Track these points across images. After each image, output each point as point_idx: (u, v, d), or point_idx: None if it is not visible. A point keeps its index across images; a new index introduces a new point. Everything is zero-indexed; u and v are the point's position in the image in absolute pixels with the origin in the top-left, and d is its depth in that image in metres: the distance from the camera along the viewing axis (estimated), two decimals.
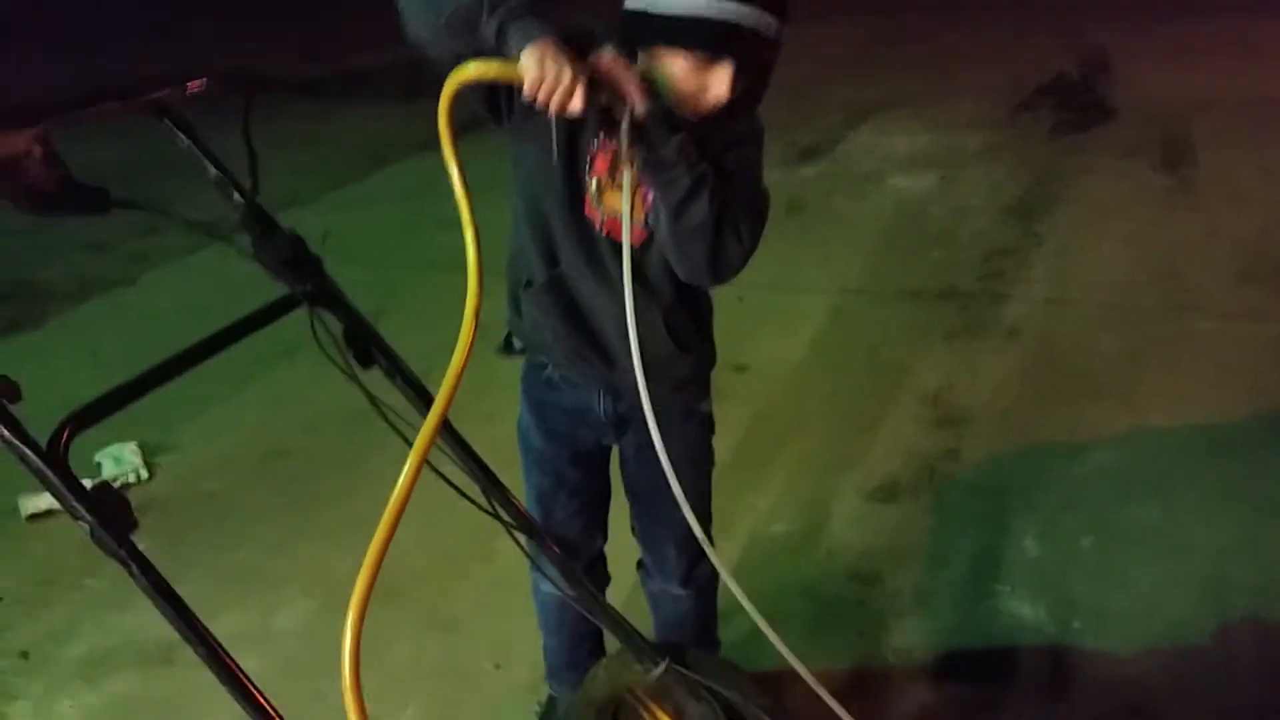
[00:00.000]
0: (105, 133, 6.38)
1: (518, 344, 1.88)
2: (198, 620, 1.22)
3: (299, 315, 1.48)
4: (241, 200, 1.54)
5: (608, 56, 1.41)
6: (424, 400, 1.62)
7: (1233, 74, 6.97)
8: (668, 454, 1.86)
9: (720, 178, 1.52)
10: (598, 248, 1.65)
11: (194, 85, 1.57)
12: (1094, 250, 4.58)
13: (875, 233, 5.01)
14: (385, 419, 1.54)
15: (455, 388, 1.41)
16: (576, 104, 1.35)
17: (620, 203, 1.49)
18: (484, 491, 1.74)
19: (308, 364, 1.47)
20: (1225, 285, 4.12)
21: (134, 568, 1.21)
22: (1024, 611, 2.45)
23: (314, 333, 1.51)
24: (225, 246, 1.52)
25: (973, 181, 5.60)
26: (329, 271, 1.52)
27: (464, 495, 1.62)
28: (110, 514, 1.25)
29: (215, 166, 1.55)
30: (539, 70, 1.33)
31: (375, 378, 1.54)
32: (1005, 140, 6.22)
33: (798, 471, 3.06)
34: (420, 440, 1.35)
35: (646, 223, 1.60)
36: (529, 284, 1.73)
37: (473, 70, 1.37)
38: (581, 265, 1.67)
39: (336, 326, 1.57)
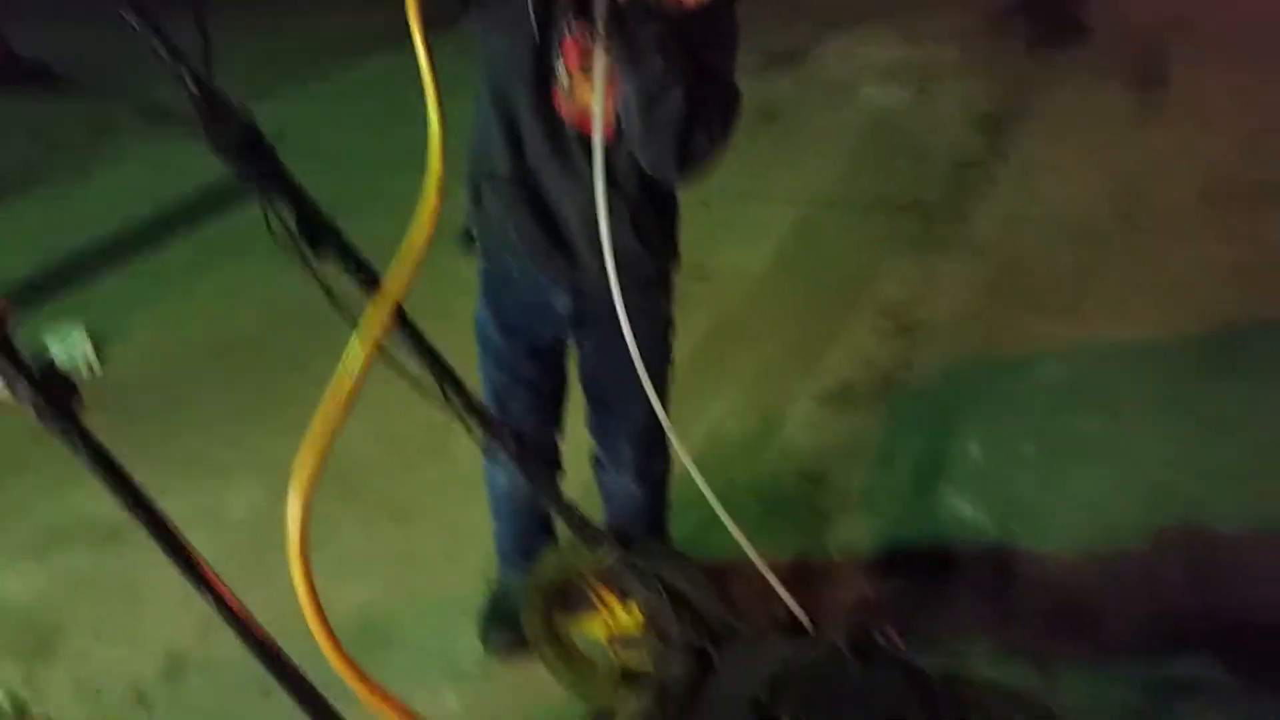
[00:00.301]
0: (60, 21, 6.18)
1: (477, 239, 1.85)
2: (143, 494, 1.21)
3: (255, 208, 1.45)
4: (195, 84, 1.49)
5: None
6: (377, 288, 1.60)
7: None
8: (629, 351, 1.87)
9: (695, 73, 1.49)
10: (566, 142, 1.63)
11: None
12: (1059, 167, 4.58)
13: (845, 144, 4.96)
14: (337, 307, 1.52)
15: (416, 262, 1.38)
16: None
17: (591, 96, 1.46)
18: (437, 380, 1.74)
19: (263, 259, 1.44)
20: (1186, 206, 4.14)
21: (77, 442, 1.20)
22: (965, 512, 2.51)
23: (266, 220, 1.47)
24: (178, 131, 1.47)
25: (945, 94, 5.54)
26: (287, 166, 1.48)
27: (414, 382, 1.62)
28: (55, 391, 1.23)
29: (168, 49, 1.49)
30: None
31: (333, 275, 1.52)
32: (980, 54, 6.13)
33: (754, 376, 3.07)
34: (372, 311, 1.34)
35: (617, 118, 1.57)
36: (492, 175, 1.70)
37: None
38: (548, 159, 1.65)
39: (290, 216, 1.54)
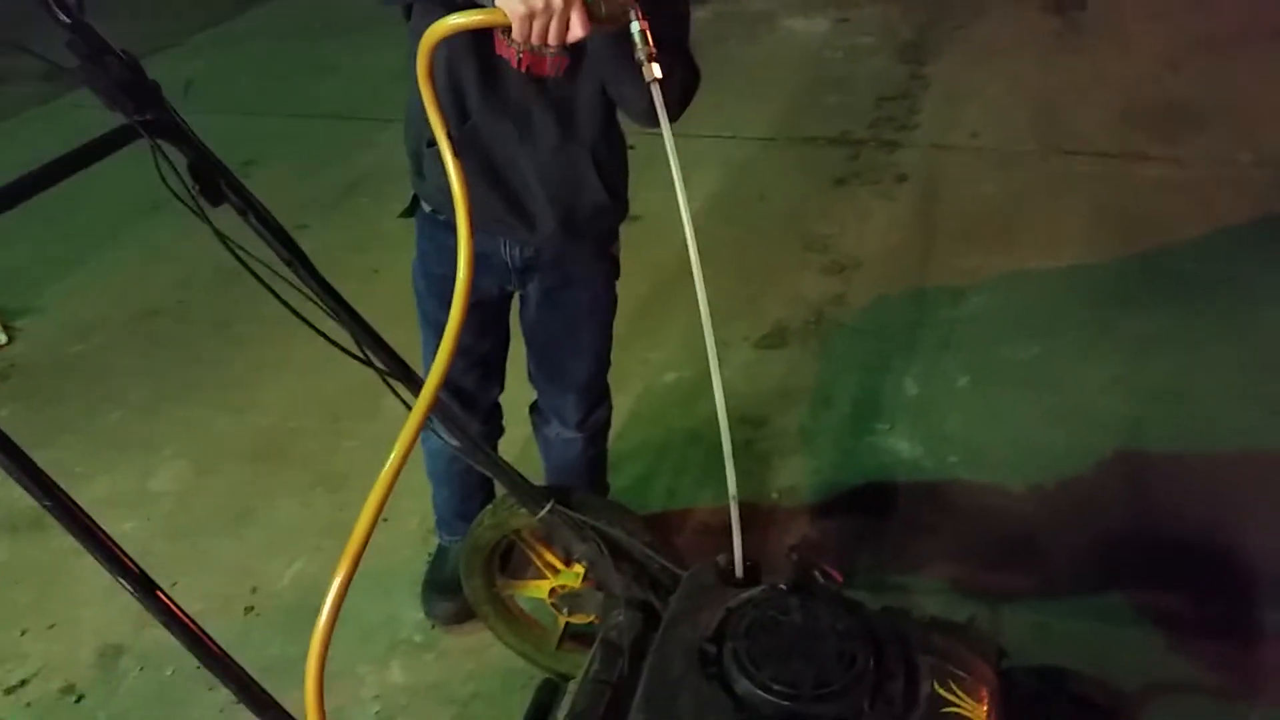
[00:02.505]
0: None
1: (426, 207, 1.77)
2: (40, 471, 1.13)
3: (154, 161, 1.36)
4: (67, 20, 1.38)
5: None
6: (280, 238, 1.51)
7: None
8: (578, 299, 1.83)
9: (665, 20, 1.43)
10: (512, 89, 1.54)
11: None
12: (980, 93, 4.59)
13: (768, 77, 4.92)
14: (237, 257, 1.42)
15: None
16: (578, 29, 1.20)
17: (601, 5, 1.28)
18: (357, 342, 1.67)
19: (176, 219, 1.35)
20: (1107, 127, 4.18)
21: None
22: (902, 448, 2.52)
23: (156, 167, 1.37)
24: (68, 83, 1.37)
25: (866, 23, 5.52)
26: (193, 121, 1.38)
27: (341, 348, 1.55)
28: None
29: None
30: (525, 7, 1.17)
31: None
32: None
33: (689, 322, 3.04)
34: (416, 411, 1.30)
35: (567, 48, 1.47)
36: (431, 143, 1.62)
37: (453, 23, 1.20)
38: (496, 113, 1.56)
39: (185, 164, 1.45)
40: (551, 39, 1.21)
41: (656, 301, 3.11)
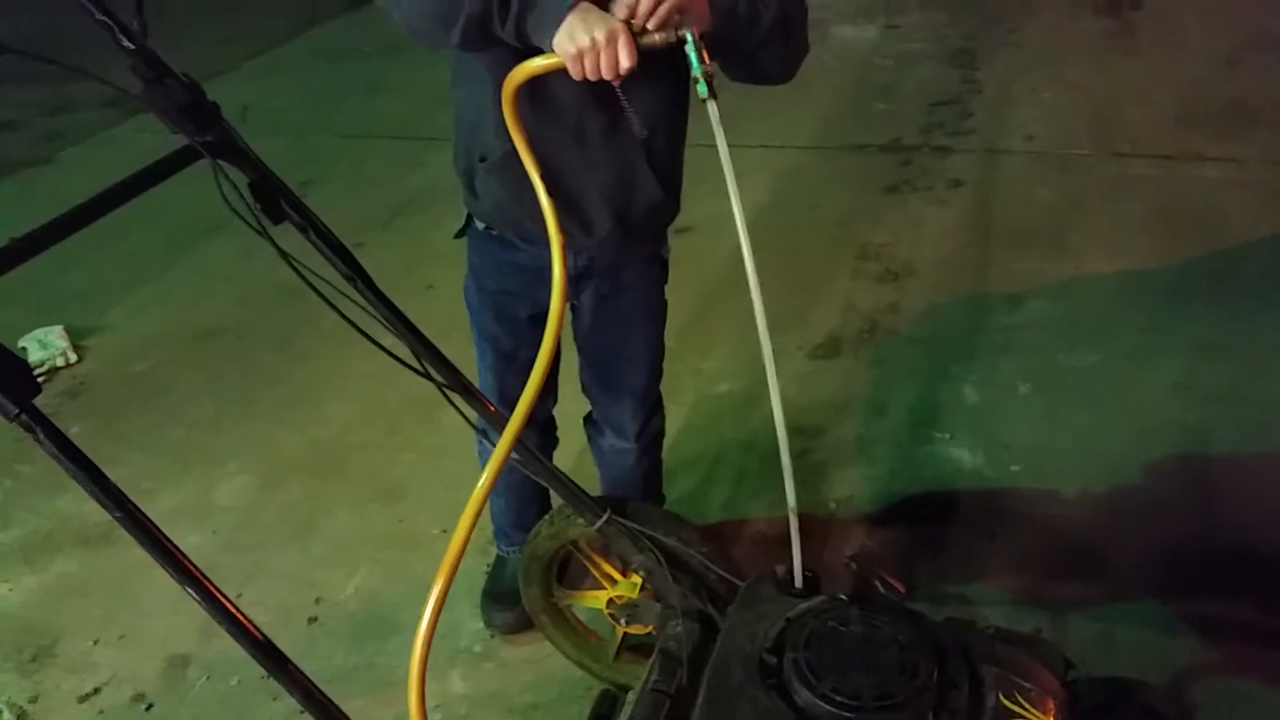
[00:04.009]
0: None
1: (479, 224, 1.79)
2: (113, 484, 1.16)
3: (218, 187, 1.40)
4: (130, 45, 1.42)
5: (635, 5, 1.29)
6: (340, 255, 1.54)
7: None
8: (631, 305, 1.85)
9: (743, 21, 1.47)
10: (562, 95, 1.55)
11: None
12: (1034, 97, 4.54)
13: (819, 84, 4.90)
14: (299, 274, 1.46)
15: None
16: (626, 61, 1.27)
17: (654, 35, 1.34)
18: (417, 356, 1.69)
19: (236, 239, 1.40)
20: (1163, 129, 4.11)
21: (38, 432, 1.15)
22: (963, 457, 2.49)
23: (218, 186, 1.41)
24: (133, 108, 1.42)
25: (916, 29, 5.49)
26: (250, 143, 1.42)
27: (400, 361, 1.57)
28: (10, 380, 1.17)
29: (99, 8, 1.42)
30: (575, 48, 1.26)
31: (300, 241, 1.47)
32: None
33: (742, 332, 3.04)
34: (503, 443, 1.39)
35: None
36: (484, 159, 1.64)
37: (520, 74, 1.35)
38: (547, 121, 1.57)
39: (242, 180, 1.48)
40: (605, 73, 1.28)
41: (708, 312, 3.11)
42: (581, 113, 1.57)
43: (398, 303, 1.49)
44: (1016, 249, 3.37)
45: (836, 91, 4.83)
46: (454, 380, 1.65)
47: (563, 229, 1.69)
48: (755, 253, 1.27)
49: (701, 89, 1.26)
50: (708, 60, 1.27)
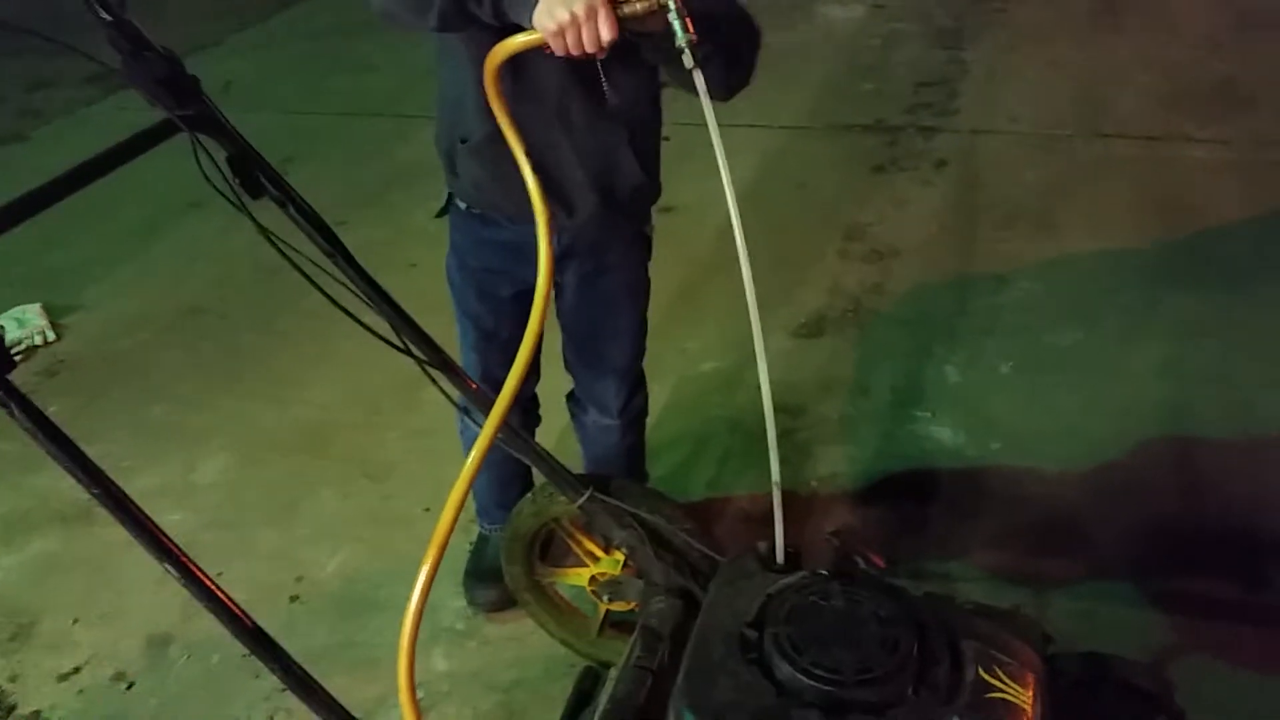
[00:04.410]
0: None
1: (460, 203, 1.78)
2: (90, 461, 1.15)
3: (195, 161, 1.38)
4: (109, 17, 1.40)
5: None
6: (320, 231, 1.52)
7: None
8: (615, 282, 1.84)
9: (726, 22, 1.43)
10: (544, 76, 1.54)
11: None
12: (1020, 77, 4.53)
13: (804, 65, 4.88)
14: (279, 250, 1.45)
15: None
16: (607, 34, 1.24)
17: (636, 3, 1.30)
18: (398, 333, 1.68)
19: (217, 215, 1.39)
20: (1149, 110, 4.11)
21: (12, 408, 1.13)
22: (944, 436, 2.50)
23: (196, 160, 1.39)
24: (114, 84, 1.40)
25: (903, 8, 5.47)
26: (233, 119, 1.40)
27: (382, 338, 1.56)
28: None
29: None
30: (555, 24, 1.24)
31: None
32: None
33: (726, 311, 3.03)
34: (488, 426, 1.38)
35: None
36: (465, 140, 1.63)
37: (500, 52, 1.32)
38: (529, 100, 1.56)
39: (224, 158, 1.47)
40: (587, 46, 1.25)
41: (692, 291, 3.10)
42: (563, 94, 1.56)
43: (381, 281, 1.48)
44: (1002, 229, 3.37)
45: (823, 71, 4.82)
46: (436, 358, 1.64)
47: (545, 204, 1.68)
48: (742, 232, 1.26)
49: (687, 59, 1.24)
50: (692, 29, 1.24)
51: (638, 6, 1.25)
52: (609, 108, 1.58)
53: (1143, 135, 3.90)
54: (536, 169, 1.63)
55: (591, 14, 1.23)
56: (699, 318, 3.01)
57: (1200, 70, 4.40)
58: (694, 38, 1.24)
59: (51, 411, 1.09)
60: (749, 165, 3.90)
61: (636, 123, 1.65)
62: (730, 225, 1.30)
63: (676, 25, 1.23)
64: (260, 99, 5.00)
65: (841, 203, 3.67)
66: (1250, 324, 2.79)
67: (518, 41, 1.31)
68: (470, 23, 1.37)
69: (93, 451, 1.09)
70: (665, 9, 1.24)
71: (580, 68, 1.53)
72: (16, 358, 2.81)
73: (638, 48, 1.48)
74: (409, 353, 1.64)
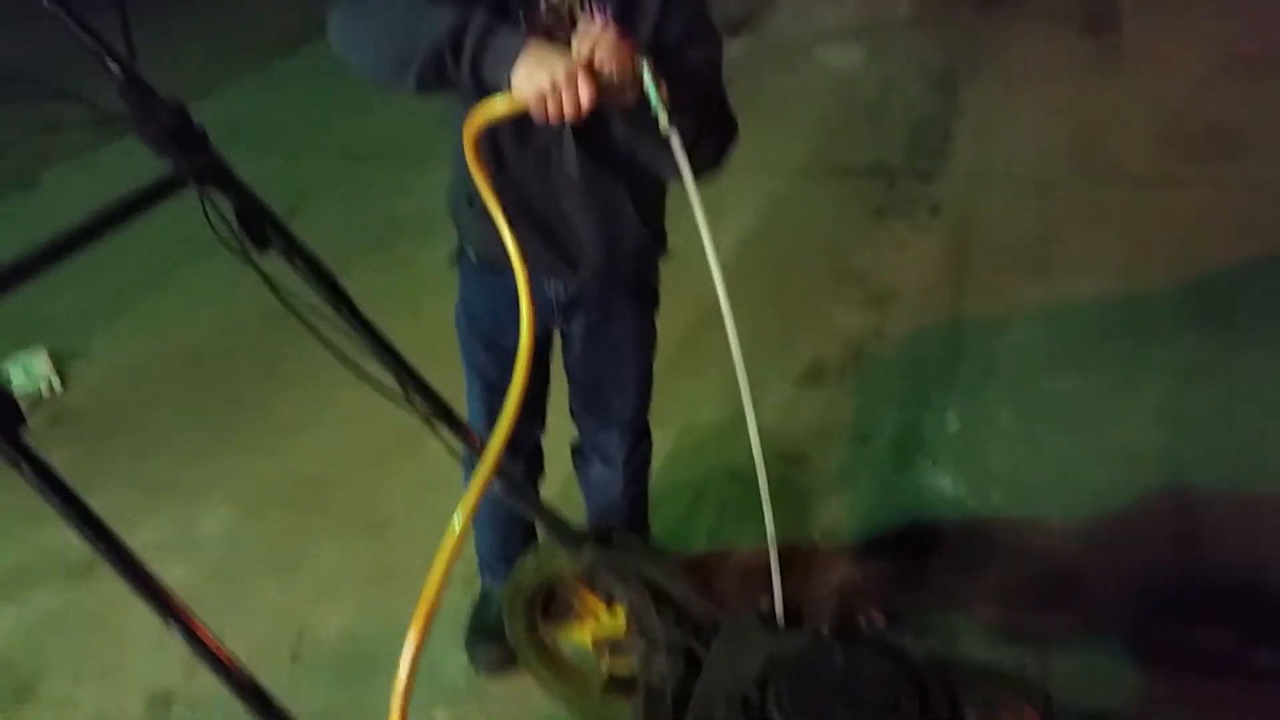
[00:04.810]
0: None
1: (471, 256, 1.80)
2: (99, 519, 1.16)
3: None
4: (119, 69, 1.42)
5: (594, 44, 1.28)
6: (325, 283, 1.54)
7: None
8: (621, 333, 1.86)
9: (688, 86, 1.43)
10: (544, 134, 1.56)
11: None
12: (1016, 120, 4.57)
13: (803, 107, 4.93)
14: (287, 306, 1.47)
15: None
16: (586, 100, 1.27)
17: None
18: (402, 385, 1.70)
19: (223, 263, 1.40)
20: (1145, 153, 4.14)
21: (25, 467, 1.14)
22: (945, 485, 2.50)
23: (204, 213, 1.42)
24: (122, 130, 1.43)
25: (900, 52, 5.52)
26: (237, 165, 1.43)
27: (386, 392, 1.58)
28: None
29: (86, 32, 1.43)
30: (534, 90, 1.26)
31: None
32: (932, 8, 6.12)
33: (727, 358, 3.01)
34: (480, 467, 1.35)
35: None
36: (471, 202, 1.64)
37: (480, 118, 1.34)
38: (531, 158, 1.59)
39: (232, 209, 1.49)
40: (567, 113, 1.27)
41: (693, 338, 3.12)
42: (564, 149, 1.58)
43: (385, 328, 1.50)
44: (999, 274, 3.39)
45: (821, 114, 4.86)
46: (439, 410, 1.65)
47: (550, 264, 1.71)
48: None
49: (662, 121, 1.28)
50: (665, 93, 1.28)
51: (614, 70, 1.28)
52: (609, 166, 1.60)
53: (1138, 178, 3.93)
54: (541, 226, 1.66)
55: (571, 79, 1.25)
56: (700, 365, 3.02)
57: (1194, 113, 4.44)
58: (666, 98, 1.28)
59: (54, 461, 1.10)
60: (749, 209, 3.93)
61: (638, 177, 1.67)
62: (730, 272, 1.32)
63: (651, 90, 1.28)
64: (266, 143, 5.05)
65: (841, 247, 3.69)
66: (1248, 369, 2.80)
67: (499, 109, 1.32)
68: (449, 85, 1.37)
69: (94, 503, 1.10)
70: (639, 75, 1.28)
71: (582, 130, 1.55)
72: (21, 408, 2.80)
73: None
74: (412, 406, 1.66)
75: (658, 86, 1.27)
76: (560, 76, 1.25)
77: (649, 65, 1.28)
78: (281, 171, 4.64)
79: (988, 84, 5.01)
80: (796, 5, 6.34)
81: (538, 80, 1.26)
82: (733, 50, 1.61)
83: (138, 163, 1.44)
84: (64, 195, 4.69)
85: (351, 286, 1.44)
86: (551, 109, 1.27)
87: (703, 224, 1.36)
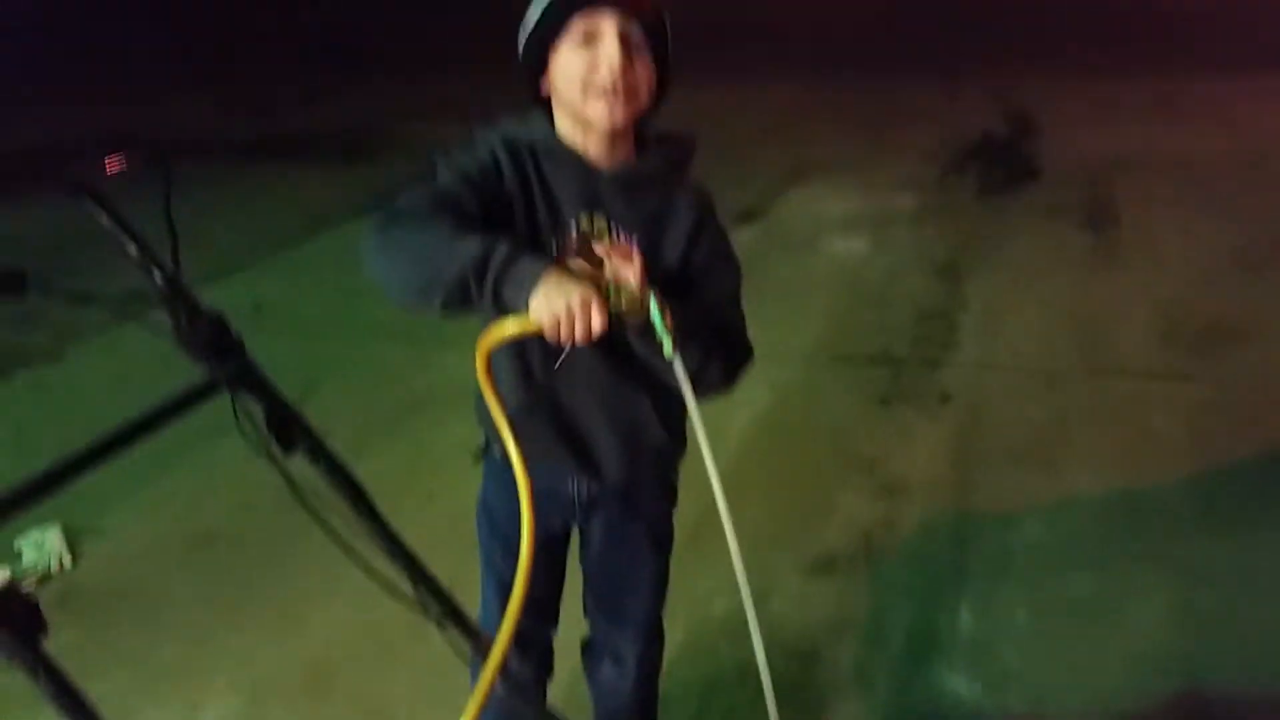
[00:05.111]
0: (27, 200, 6.29)
1: (496, 451, 1.85)
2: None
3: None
4: (163, 281, 1.51)
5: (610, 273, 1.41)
6: (348, 487, 1.60)
7: (1156, 135, 7.24)
8: (641, 532, 1.89)
9: (705, 313, 1.56)
10: (579, 354, 1.63)
11: (113, 164, 1.54)
12: (1019, 313, 4.69)
13: (810, 296, 5.08)
14: (306, 507, 1.53)
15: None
16: (599, 327, 1.35)
17: (620, 297, 1.43)
18: (414, 584, 1.72)
19: (238, 442, 1.45)
20: (1147, 346, 4.23)
21: (42, 677, 1.16)
22: (961, 687, 2.46)
23: (236, 418, 1.49)
24: (147, 326, 1.50)
25: (904, 243, 5.71)
26: (259, 342, 1.50)
27: (395, 591, 1.61)
28: (19, 621, 1.20)
29: (137, 246, 1.52)
30: (550, 316, 1.34)
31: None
32: (934, 201, 6.37)
33: (738, 546, 3.04)
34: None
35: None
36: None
37: (494, 337, 1.42)
38: (563, 373, 1.66)
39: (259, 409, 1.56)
40: (579, 338, 1.35)
41: (704, 526, 3.09)
42: (590, 362, 1.65)
43: (398, 511, 1.54)
44: (1008, 467, 3.42)
45: (828, 302, 5.01)
46: (451, 612, 1.67)
47: (574, 470, 1.75)
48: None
49: (667, 348, 1.38)
50: (670, 322, 1.38)
51: (623, 300, 1.38)
52: (632, 375, 1.67)
53: (1142, 373, 4.01)
54: (566, 433, 1.72)
55: (586, 307, 1.33)
56: (710, 555, 3.00)
57: (1194, 308, 4.55)
58: (671, 326, 1.38)
59: (59, 643, 1.11)
60: (759, 397, 4.00)
61: (659, 385, 1.73)
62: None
63: (657, 319, 1.38)
64: (289, 322, 5.19)
65: (850, 435, 3.74)
66: (1258, 568, 2.80)
67: (512, 330, 1.40)
68: (471, 308, 1.44)
69: (97, 689, 1.11)
70: (646, 304, 1.38)
71: (605, 342, 1.63)
72: (31, 583, 2.84)
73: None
74: (424, 608, 1.68)
75: (663, 315, 1.37)
76: (575, 304, 1.33)
77: (655, 295, 1.38)
78: (303, 350, 4.75)
79: (991, 276, 5.16)
80: (803, 196, 6.62)
81: (554, 307, 1.33)
82: (741, 238, 1.70)
83: (161, 339, 1.51)
84: (89, 369, 4.80)
85: (367, 467, 1.49)
86: (564, 333, 1.35)
87: (703, 440, 1.43)
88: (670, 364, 1.40)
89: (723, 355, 1.60)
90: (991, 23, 11.88)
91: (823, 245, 5.76)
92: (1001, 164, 6.98)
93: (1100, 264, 5.20)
